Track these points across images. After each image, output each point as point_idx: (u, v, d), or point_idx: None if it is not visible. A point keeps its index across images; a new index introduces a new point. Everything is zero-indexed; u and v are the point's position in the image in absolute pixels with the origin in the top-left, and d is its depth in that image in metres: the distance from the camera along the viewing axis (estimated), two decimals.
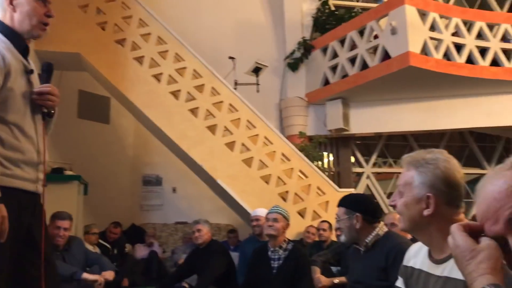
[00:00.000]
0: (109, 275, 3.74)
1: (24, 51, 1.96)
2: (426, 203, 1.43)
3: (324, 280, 3.74)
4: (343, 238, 2.57)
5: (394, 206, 1.56)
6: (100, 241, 5.88)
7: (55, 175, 5.09)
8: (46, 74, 2.02)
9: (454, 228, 1.02)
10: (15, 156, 1.83)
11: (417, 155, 1.52)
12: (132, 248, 6.97)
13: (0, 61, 1.80)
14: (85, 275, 3.57)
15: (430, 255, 1.51)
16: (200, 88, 6.43)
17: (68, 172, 5.45)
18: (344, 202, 2.61)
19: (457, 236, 0.99)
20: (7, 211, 1.69)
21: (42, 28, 1.97)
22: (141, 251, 6.79)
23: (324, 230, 5.28)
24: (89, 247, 5.48)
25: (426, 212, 1.42)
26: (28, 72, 1.94)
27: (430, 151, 1.51)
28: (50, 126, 2.10)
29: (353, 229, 2.49)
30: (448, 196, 1.43)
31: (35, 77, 2.00)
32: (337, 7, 9.14)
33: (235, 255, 5.28)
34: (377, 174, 9.17)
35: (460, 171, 1.47)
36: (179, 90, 6.33)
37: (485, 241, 0.93)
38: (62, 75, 6.29)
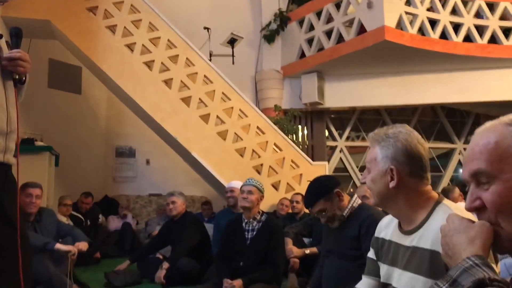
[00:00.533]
0: (83, 245, 3.71)
1: None
2: (390, 176, 1.47)
3: (296, 250, 3.82)
4: (324, 219, 2.55)
5: (364, 183, 1.61)
6: (73, 212, 5.83)
7: (25, 146, 4.97)
8: (15, 39, 1.96)
9: (452, 214, 1.08)
10: None
11: (380, 131, 1.56)
12: (106, 220, 6.94)
13: None
14: (58, 245, 3.53)
15: (400, 227, 1.56)
16: (174, 58, 6.33)
17: (39, 143, 5.32)
18: (317, 194, 2.56)
19: (454, 217, 1.04)
20: None
21: None
22: (114, 223, 6.77)
23: (297, 202, 5.35)
24: (62, 219, 5.43)
25: (391, 185, 1.47)
26: None
27: (392, 127, 1.55)
28: (21, 93, 2.03)
29: (337, 204, 2.53)
30: (411, 167, 1.46)
31: (3, 43, 1.94)
32: None
33: (209, 227, 5.32)
34: (350, 148, 9.29)
35: (422, 143, 1.51)
36: (152, 61, 6.22)
37: (480, 221, 0.97)
38: (31, 43, 6.09)
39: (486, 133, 0.96)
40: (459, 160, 9.50)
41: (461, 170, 9.69)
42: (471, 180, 0.96)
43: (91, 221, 6.26)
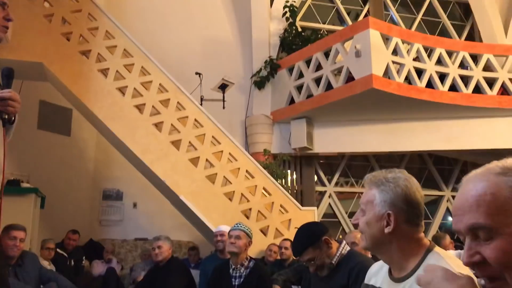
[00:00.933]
0: None
1: None
2: (386, 221, 1.45)
3: None
4: (314, 267, 2.50)
5: (356, 225, 1.58)
6: (58, 250, 5.67)
7: (11, 188, 4.91)
8: (7, 79, 1.97)
9: (430, 264, 1.07)
10: None
11: (379, 174, 1.55)
12: (90, 264, 6.76)
13: None
14: None
15: (390, 273, 1.54)
16: (165, 102, 6.38)
17: (25, 185, 5.26)
18: (305, 242, 2.51)
19: (435, 266, 1.02)
20: None
21: (3, 31, 1.96)
22: (98, 268, 6.58)
23: (286, 248, 5.28)
24: (44, 263, 5.29)
25: (387, 230, 1.45)
26: None
27: (391, 171, 1.54)
28: (9, 133, 2.02)
29: (325, 252, 2.48)
30: (408, 214, 1.45)
31: None
32: (304, 28, 9.32)
33: (195, 273, 5.20)
34: (339, 193, 9.29)
35: (420, 190, 1.51)
36: (143, 104, 6.26)
37: (466, 274, 0.95)
38: (23, 85, 6.12)
39: (479, 183, 0.91)
40: (447, 207, 9.52)
41: (450, 218, 9.69)
42: (467, 233, 0.90)
43: (75, 262, 6.11)
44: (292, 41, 8.78)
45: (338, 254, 2.50)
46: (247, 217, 6.24)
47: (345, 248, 2.56)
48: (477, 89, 7.86)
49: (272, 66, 8.49)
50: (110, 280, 6.16)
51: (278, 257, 5.55)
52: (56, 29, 6.15)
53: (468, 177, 0.96)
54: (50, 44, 6.05)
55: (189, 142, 6.29)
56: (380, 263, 1.66)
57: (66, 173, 7.64)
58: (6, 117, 1.92)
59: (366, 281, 1.68)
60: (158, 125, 6.25)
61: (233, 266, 3.47)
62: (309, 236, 2.55)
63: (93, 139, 8.20)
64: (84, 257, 6.47)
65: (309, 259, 2.50)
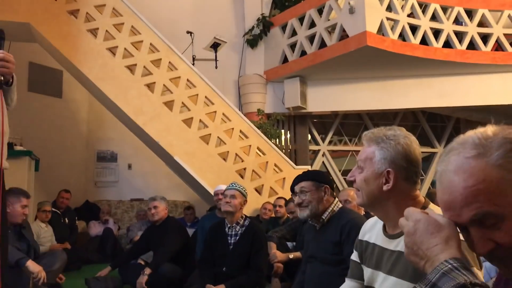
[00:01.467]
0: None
1: None
2: (385, 178, 1.45)
3: (279, 255, 3.83)
4: (308, 212, 2.52)
5: (353, 182, 1.57)
6: (52, 208, 5.73)
7: None
8: None
9: (411, 208, 1.01)
10: None
11: (378, 131, 1.53)
12: (87, 225, 6.85)
13: None
14: (29, 263, 3.31)
15: (384, 230, 1.55)
16: (157, 62, 6.29)
17: (18, 148, 5.24)
18: (310, 175, 2.63)
19: (416, 213, 0.98)
20: None
21: None
22: (95, 228, 6.68)
23: (280, 206, 5.36)
24: (42, 225, 5.36)
25: (385, 187, 1.45)
26: None
27: (390, 128, 1.53)
28: (11, 96, 2.00)
29: (321, 200, 2.52)
30: (407, 172, 1.46)
31: None
32: None
33: (191, 232, 5.30)
34: (332, 152, 9.35)
35: (419, 148, 1.50)
36: (135, 64, 6.17)
37: (447, 220, 0.92)
38: (11, 46, 5.99)
39: (464, 174, 0.86)
40: None
41: None
42: (471, 225, 0.87)
43: (69, 220, 6.18)
44: None
45: (329, 210, 2.54)
46: (242, 177, 6.29)
47: (337, 205, 2.59)
48: (471, 45, 7.79)
49: (265, 24, 8.34)
50: (107, 240, 6.27)
51: (273, 215, 5.64)
52: None
53: (446, 168, 0.90)
54: (36, 4, 5.88)
55: (182, 103, 6.25)
56: (374, 219, 1.67)
57: (59, 135, 7.62)
58: (2, 78, 1.91)
59: (360, 237, 1.70)
60: (150, 86, 6.19)
61: (229, 225, 3.52)
62: (316, 174, 2.65)
63: (85, 101, 8.13)
64: (76, 218, 6.53)
65: (302, 191, 2.53)
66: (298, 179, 2.64)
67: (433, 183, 9.59)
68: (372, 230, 1.64)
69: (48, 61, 7.18)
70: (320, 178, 2.60)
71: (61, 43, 5.93)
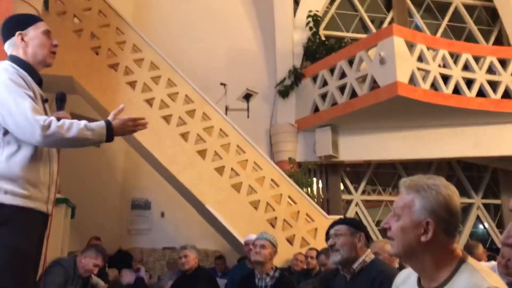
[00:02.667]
0: None
1: (39, 82, 2.15)
2: (424, 229, 1.40)
3: None
4: (338, 257, 2.48)
5: (388, 229, 1.50)
6: None
7: None
8: (60, 102, 2.24)
9: None
10: (33, 177, 1.93)
11: (418, 179, 1.48)
12: (119, 273, 6.86)
13: (26, 84, 1.99)
14: None
15: (419, 283, 1.49)
16: (191, 113, 6.48)
17: (57, 195, 5.39)
18: (347, 220, 2.63)
19: None
20: (33, 236, 1.90)
21: (52, 57, 2.19)
22: (127, 277, 6.67)
23: (312, 257, 5.25)
24: None
25: (423, 238, 1.39)
26: (44, 101, 2.12)
27: (430, 177, 1.48)
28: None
29: (354, 247, 2.47)
30: (447, 224, 1.40)
31: (47, 106, 2.17)
32: (328, 37, 9.32)
33: (222, 282, 5.23)
34: (366, 202, 9.20)
35: (459, 200, 1.45)
36: (170, 115, 6.37)
37: None
38: (53, 98, 6.30)
39: None
40: (478, 215, 9.32)
41: (480, 226, 9.49)
42: None
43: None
44: (316, 50, 8.80)
45: (361, 260, 2.49)
46: (273, 226, 6.25)
47: (369, 256, 2.54)
48: (506, 94, 7.71)
49: (296, 75, 8.52)
50: None
51: (305, 267, 5.53)
52: (86, 44, 6.34)
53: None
54: (79, 58, 6.23)
55: (215, 152, 6.36)
56: (407, 271, 1.61)
57: (96, 183, 7.80)
58: None
59: None
60: (184, 135, 6.35)
61: (259, 276, 3.48)
62: (354, 220, 2.65)
63: (122, 150, 8.36)
64: (107, 265, 6.56)
65: (337, 234, 2.50)
66: (334, 223, 2.61)
67: (471, 235, 9.25)
68: (405, 283, 1.58)
69: (88, 112, 7.48)
70: (357, 225, 2.58)
71: (101, 94, 6.21)
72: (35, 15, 2.22)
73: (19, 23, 2.13)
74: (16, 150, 1.91)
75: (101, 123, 2.04)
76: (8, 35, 2.11)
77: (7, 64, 2.03)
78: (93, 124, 2.01)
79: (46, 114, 2.07)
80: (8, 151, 1.90)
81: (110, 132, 2.06)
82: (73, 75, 6.15)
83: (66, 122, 1.94)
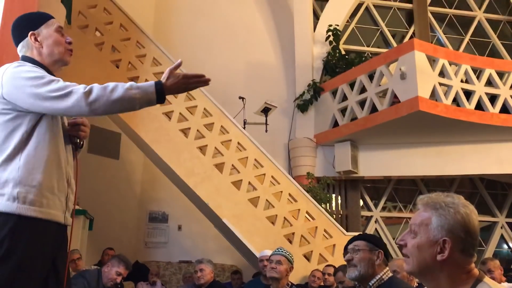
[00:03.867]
0: None
1: None
2: (441, 247, 1.38)
3: None
4: (356, 273, 2.42)
5: (403, 246, 1.49)
6: (97, 267, 5.77)
7: None
8: None
9: None
10: (50, 184, 1.86)
11: (436, 196, 1.46)
12: (135, 286, 6.85)
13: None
14: None
15: None
16: (209, 126, 6.49)
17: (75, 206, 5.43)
18: (367, 236, 2.58)
19: None
20: (43, 246, 1.82)
21: (69, 54, 2.07)
22: None
23: (329, 274, 5.17)
24: None
25: (439, 257, 1.37)
26: None
27: (448, 195, 1.46)
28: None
29: (372, 264, 2.41)
30: (465, 243, 1.38)
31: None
32: (348, 51, 9.29)
33: None
34: (386, 219, 9.05)
35: (477, 219, 1.43)
36: (188, 128, 6.39)
37: None
38: None
39: None
40: (502, 235, 9.06)
41: (505, 246, 9.22)
42: None
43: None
44: (336, 64, 8.77)
45: (378, 278, 2.42)
46: (290, 242, 6.17)
47: (387, 273, 2.47)
48: None
49: (316, 89, 8.49)
50: None
51: (322, 284, 5.43)
52: (106, 57, 6.43)
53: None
54: (100, 71, 6.30)
55: (232, 165, 6.34)
56: None
57: (114, 195, 7.85)
58: (78, 140, 2.07)
59: None
60: (202, 149, 6.35)
61: None
62: (373, 237, 2.58)
63: (140, 162, 8.42)
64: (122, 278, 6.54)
65: (355, 249, 2.45)
66: (353, 238, 2.58)
67: (495, 255, 8.99)
68: None
69: (108, 125, 7.57)
70: (376, 241, 2.52)
71: None
72: (45, 13, 2.09)
73: (30, 22, 2.01)
74: (35, 154, 1.83)
75: (150, 82, 1.91)
76: (20, 37, 2.00)
77: (18, 62, 1.95)
78: (140, 84, 1.88)
79: (62, 118, 2.02)
80: (26, 154, 1.82)
81: (160, 90, 1.86)
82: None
83: (110, 84, 1.85)
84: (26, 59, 1.98)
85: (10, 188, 1.77)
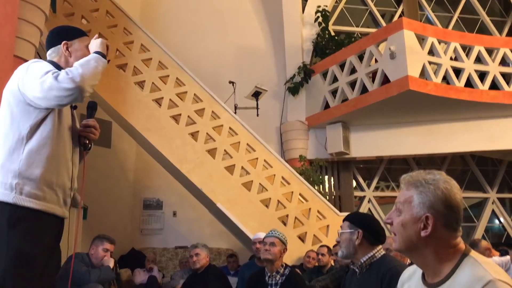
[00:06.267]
0: None
1: None
2: (424, 223, 1.41)
3: None
4: (340, 253, 2.53)
5: (390, 224, 1.53)
6: None
7: None
8: (91, 110, 2.25)
9: None
10: (52, 178, 1.95)
11: (417, 175, 1.50)
12: (132, 273, 6.90)
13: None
14: None
15: (423, 279, 1.49)
16: (200, 112, 6.47)
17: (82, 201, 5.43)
18: (350, 217, 2.62)
19: None
20: (44, 240, 1.90)
21: None
22: (140, 276, 6.71)
23: (323, 254, 5.23)
24: None
25: (423, 233, 1.41)
26: (72, 107, 2.17)
27: (429, 172, 1.49)
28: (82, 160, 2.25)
29: (351, 244, 2.47)
30: (447, 218, 1.41)
31: (75, 112, 2.21)
32: (337, 32, 9.26)
33: (234, 280, 5.22)
34: (379, 198, 9.13)
35: (460, 193, 1.46)
36: (179, 114, 6.36)
37: None
38: None
39: None
40: (493, 210, 9.18)
41: (496, 221, 9.35)
42: None
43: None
44: (325, 45, 8.74)
45: (370, 255, 2.46)
46: (284, 224, 6.22)
47: (379, 251, 2.51)
48: None
49: (306, 72, 8.47)
50: None
51: (316, 264, 5.50)
52: None
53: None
54: None
55: (225, 150, 6.35)
56: (413, 267, 1.61)
57: (107, 184, 7.84)
58: (87, 142, 2.17)
59: (398, 286, 1.64)
60: (194, 135, 6.34)
61: (269, 274, 3.46)
62: (355, 216, 2.62)
63: (133, 150, 8.40)
64: (117, 264, 6.59)
65: (340, 231, 2.53)
66: (350, 215, 2.67)
67: (487, 230, 9.12)
68: (411, 280, 1.58)
69: (98, 113, 7.47)
70: (358, 222, 2.54)
71: (110, 95, 6.22)
72: (82, 30, 2.30)
73: (67, 33, 2.21)
74: (37, 149, 1.92)
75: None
76: (53, 43, 2.17)
77: (38, 59, 2.08)
78: (85, 58, 2.07)
79: (73, 119, 2.14)
80: (29, 149, 1.91)
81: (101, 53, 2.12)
82: None
83: (72, 67, 2.00)
84: (52, 63, 2.10)
85: (9, 178, 1.87)
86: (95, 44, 2.17)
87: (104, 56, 2.12)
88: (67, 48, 2.16)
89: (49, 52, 2.18)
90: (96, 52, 2.12)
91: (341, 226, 2.57)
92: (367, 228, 2.51)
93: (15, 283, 1.79)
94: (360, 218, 2.62)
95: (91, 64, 2.02)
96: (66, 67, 2.08)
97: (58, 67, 2.08)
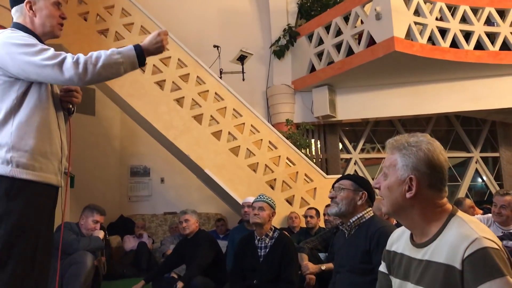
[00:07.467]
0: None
1: None
2: (408, 185, 1.44)
3: (311, 266, 3.76)
4: (336, 209, 2.54)
5: (378, 189, 1.57)
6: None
7: None
8: None
9: None
10: (44, 148, 1.93)
11: (401, 138, 1.53)
12: (121, 239, 6.95)
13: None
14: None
15: (412, 239, 1.53)
16: (185, 77, 6.38)
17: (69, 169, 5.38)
18: (353, 177, 2.64)
19: None
20: (43, 212, 1.92)
21: (60, 28, 2.12)
22: (130, 243, 6.77)
23: (311, 217, 5.30)
24: None
25: (408, 195, 1.44)
26: None
27: (413, 135, 1.52)
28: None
29: (354, 203, 2.52)
30: (431, 178, 1.43)
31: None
32: None
33: (224, 244, 5.30)
34: (365, 160, 9.23)
35: (444, 154, 1.48)
36: (164, 80, 6.27)
37: None
38: None
39: None
40: (476, 169, 9.36)
41: (479, 180, 9.54)
42: None
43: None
44: (311, 7, 8.61)
45: (359, 216, 2.51)
46: (272, 188, 6.28)
47: (368, 213, 2.55)
48: (505, 46, 7.57)
49: (291, 34, 8.36)
50: (141, 254, 6.33)
51: (301, 224, 5.59)
52: (73, 10, 6.15)
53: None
54: (68, 25, 6.02)
55: (211, 116, 6.31)
56: (402, 229, 1.64)
57: (93, 152, 7.78)
58: (71, 106, 2.14)
59: (387, 247, 1.67)
60: (179, 101, 6.27)
61: (258, 237, 3.51)
62: (360, 179, 2.65)
63: (118, 117, 8.31)
64: (107, 232, 6.62)
65: (340, 187, 2.55)
66: (341, 178, 2.67)
67: (470, 189, 9.31)
68: (399, 240, 1.62)
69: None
70: (362, 183, 2.59)
71: None
72: None
73: None
74: (26, 120, 1.89)
75: (129, 46, 2.01)
76: (16, 1, 2.05)
77: (11, 29, 2.00)
78: (121, 49, 1.98)
79: (52, 85, 2.07)
80: (18, 121, 1.88)
81: (140, 53, 2.00)
82: (63, 43, 5.99)
83: (93, 52, 1.92)
84: (18, 26, 2.02)
85: (3, 153, 1.84)
86: (148, 37, 2.04)
87: (141, 57, 1.99)
88: (30, 7, 2.03)
89: (13, 11, 2.07)
90: (137, 49, 1.99)
91: (341, 184, 2.59)
92: (369, 191, 2.55)
93: (14, 254, 1.80)
94: (363, 180, 2.66)
95: (114, 67, 1.93)
96: (32, 28, 2.02)
97: (24, 28, 2.00)
